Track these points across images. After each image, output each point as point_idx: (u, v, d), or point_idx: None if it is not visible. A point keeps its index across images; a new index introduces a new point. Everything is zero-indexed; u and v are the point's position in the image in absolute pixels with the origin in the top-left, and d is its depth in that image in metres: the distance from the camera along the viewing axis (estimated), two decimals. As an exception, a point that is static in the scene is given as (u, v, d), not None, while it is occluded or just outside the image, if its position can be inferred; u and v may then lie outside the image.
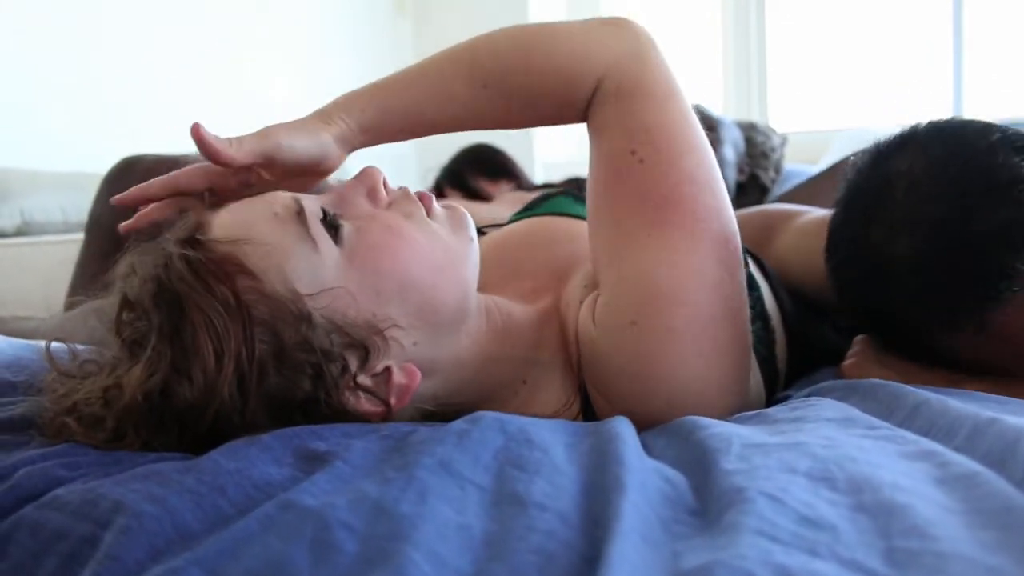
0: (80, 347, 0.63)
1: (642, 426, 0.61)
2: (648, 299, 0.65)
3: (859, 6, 3.35)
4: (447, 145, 1.73)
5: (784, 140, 2.28)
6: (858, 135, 2.09)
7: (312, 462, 0.49)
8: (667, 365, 0.64)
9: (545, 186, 2.06)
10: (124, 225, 0.68)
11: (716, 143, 1.96)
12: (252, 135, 0.66)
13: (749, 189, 2.14)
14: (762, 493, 0.42)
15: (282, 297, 0.56)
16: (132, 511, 0.42)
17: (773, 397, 0.82)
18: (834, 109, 3.36)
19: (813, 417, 0.58)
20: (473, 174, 2.07)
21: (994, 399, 0.62)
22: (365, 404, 0.59)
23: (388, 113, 0.72)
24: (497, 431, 0.53)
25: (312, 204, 0.61)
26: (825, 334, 1.00)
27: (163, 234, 0.60)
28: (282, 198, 0.61)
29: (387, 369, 0.60)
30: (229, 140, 0.64)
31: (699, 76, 3.52)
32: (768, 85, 3.46)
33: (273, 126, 0.67)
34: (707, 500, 0.45)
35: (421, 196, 0.66)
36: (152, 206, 0.69)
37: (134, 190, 0.68)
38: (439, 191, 2.07)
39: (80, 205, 1.66)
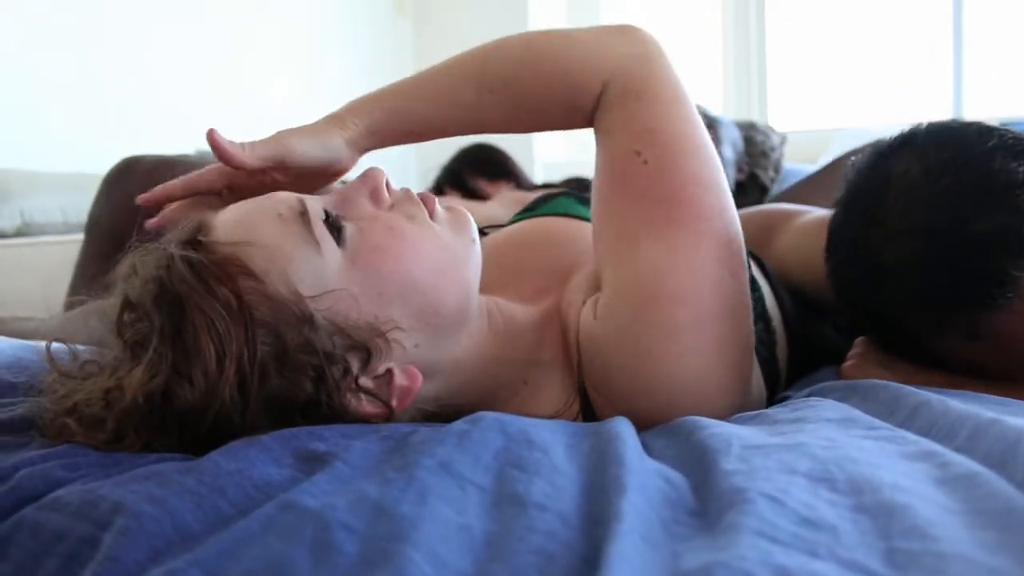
0: (81, 348, 0.63)
1: (642, 426, 0.61)
2: (649, 298, 0.65)
3: (859, 6, 3.35)
4: (447, 145, 1.72)
5: (783, 139, 2.28)
6: (858, 134, 2.09)
7: (312, 463, 0.49)
8: (667, 363, 0.64)
9: (545, 186, 2.06)
10: (151, 222, 0.71)
11: (715, 142, 1.95)
12: (265, 140, 0.68)
13: (748, 188, 2.13)
14: (762, 494, 0.42)
15: (284, 299, 0.56)
16: (132, 512, 0.42)
17: (774, 397, 0.82)
18: (833, 108, 3.36)
19: (813, 418, 0.58)
20: (473, 174, 2.07)
21: (995, 400, 0.62)
22: (367, 406, 0.59)
23: (396, 116, 0.73)
24: (497, 432, 0.53)
25: (315, 205, 0.61)
26: (825, 334, 1.00)
27: (165, 235, 0.61)
28: (286, 199, 0.61)
29: (389, 371, 0.60)
30: (242, 144, 0.66)
31: (699, 76, 3.52)
32: (768, 84, 3.46)
33: (285, 131, 0.69)
34: (707, 501, 0.45)
35: (423, 197, 0.66)
36: (174, 205, 0.72)
37: (158, 190, 0.72)
38: (439, 191, 2.06)
39: (80, 206, 1.65)
